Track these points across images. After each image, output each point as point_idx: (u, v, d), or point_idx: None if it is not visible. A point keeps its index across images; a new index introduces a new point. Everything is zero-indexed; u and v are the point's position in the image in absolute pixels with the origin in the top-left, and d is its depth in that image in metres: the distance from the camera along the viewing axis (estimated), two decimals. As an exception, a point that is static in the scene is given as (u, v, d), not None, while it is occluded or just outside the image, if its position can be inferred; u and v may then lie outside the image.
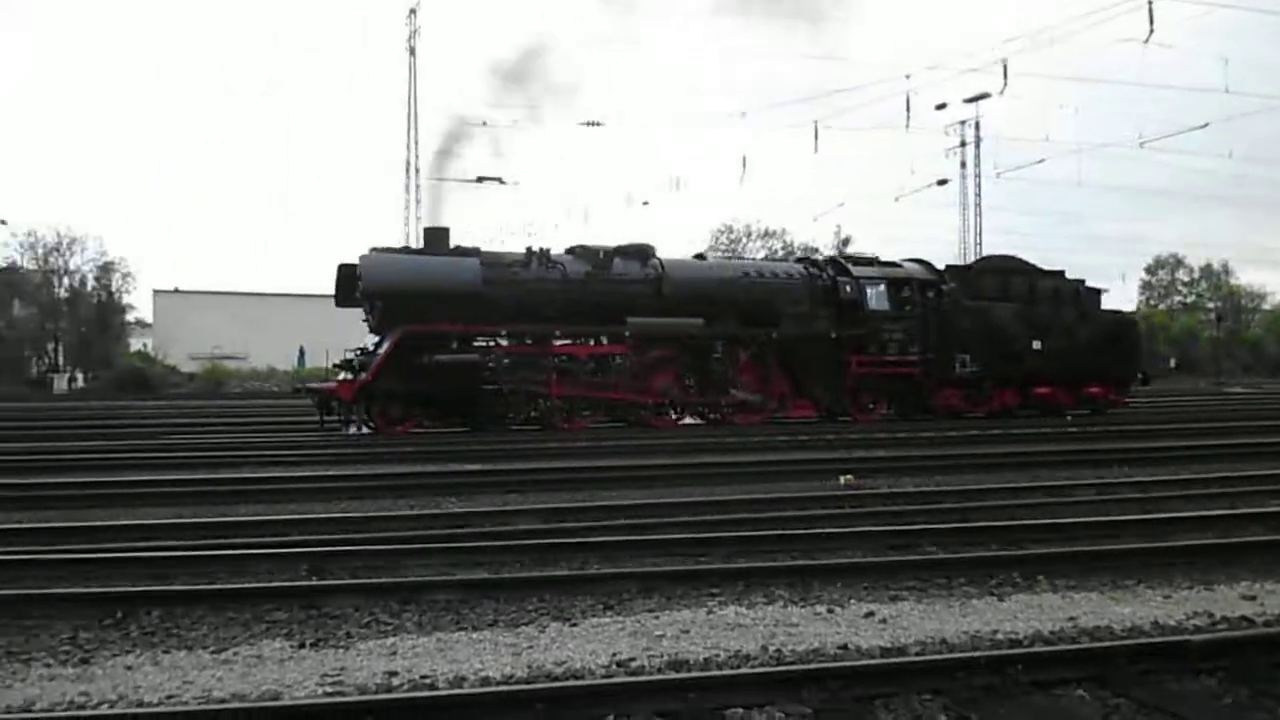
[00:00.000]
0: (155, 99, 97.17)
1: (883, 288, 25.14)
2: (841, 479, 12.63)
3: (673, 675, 5.07)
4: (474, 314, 21.25)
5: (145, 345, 64.79)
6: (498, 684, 5.03)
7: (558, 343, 22.45)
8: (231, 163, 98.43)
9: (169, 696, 4.89)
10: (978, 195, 54.71)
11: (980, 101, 46.94)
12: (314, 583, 7.20)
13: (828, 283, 24.90)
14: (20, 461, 15.33)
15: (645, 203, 52.73)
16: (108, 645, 5.83)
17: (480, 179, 39.85)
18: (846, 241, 65.92)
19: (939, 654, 5.47)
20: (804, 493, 11.84)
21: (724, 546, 8.38)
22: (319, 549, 8.12)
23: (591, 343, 22.86)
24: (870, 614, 6.43)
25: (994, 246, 57.17)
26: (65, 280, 60.25)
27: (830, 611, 6.52)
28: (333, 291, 22.39)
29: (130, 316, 65.32)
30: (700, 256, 26.27)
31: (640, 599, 6.81)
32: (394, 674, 5.21)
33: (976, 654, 5.34)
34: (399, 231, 42.57)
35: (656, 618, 6.35)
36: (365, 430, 20.76)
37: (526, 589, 6.92)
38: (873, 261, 26.46)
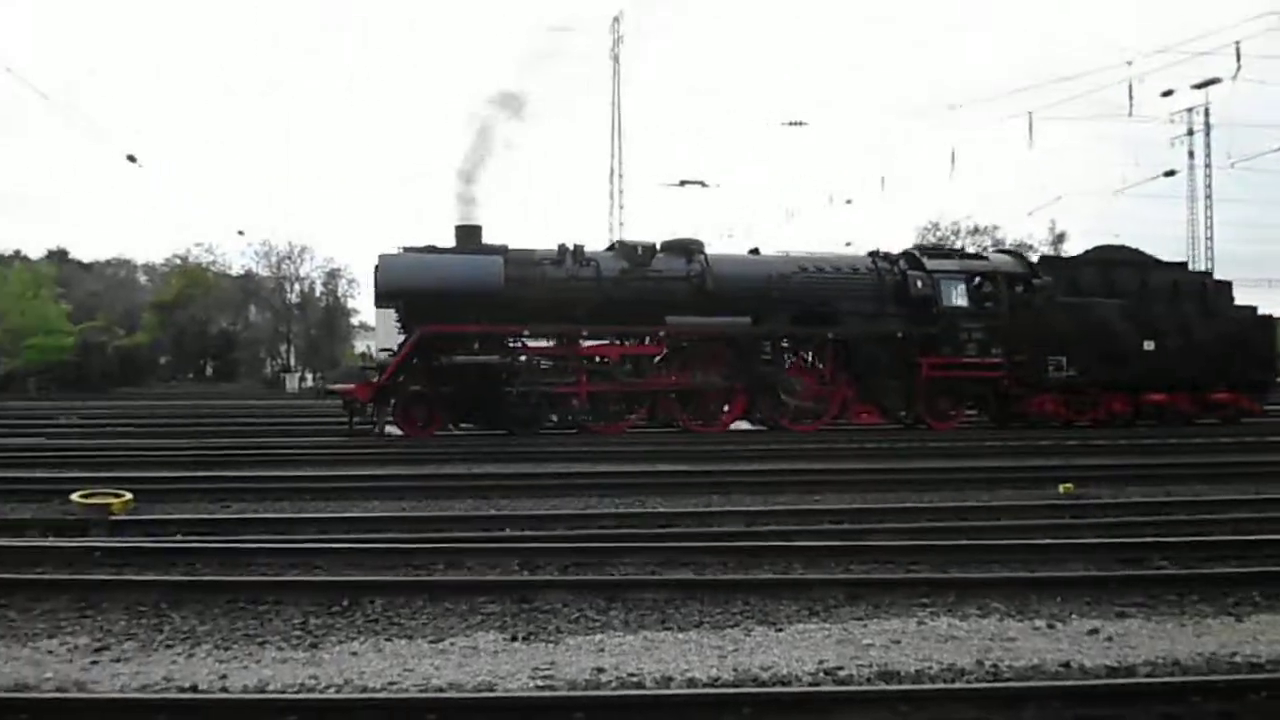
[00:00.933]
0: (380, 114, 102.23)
1: (961, 282, 23.02)
2: (1061, 487, 12.05)
3: (883, 686, 4.94)
4: (496, 314, 20.50)
5: (368, 347, 68.35)
6: (704, 686, 5.02)
7: (586, 343, 21.54)
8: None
9: (390, 683, 5.10)
10: (1208, 187, 51.16)
11: (1210, 87, 43.79)
12: (526, 577, 7.38)
13: (898, 278, 22.81)
14: (258, 456, 16.37)
15: (848, 201, 52.00)
16: (335, 631, 6.14)
17: (683, 182, 40.11)
18: (1061, 237, 62.96)
19: (1171, 676, 5.13)
20: (1020, 501, 11.35)
21: (936, 555, 8.11)
22: (530, 544, 8.32)
23: (625, 343, 21.78)
24: (1094, 631, 6.10)
25: (1226, 241, 53.46)
26: (296, 286, 64.39)
27: (1051, 627, 6.22)
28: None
29: (354, 320, 69.13)
30: (754, 251, 24.12)
31: (847, 606, 6.67)
32: (601, 670, 5.28)
33: (1213, 678, 4.98)
34: (603, 237, 43.27)
35: (864, 626, 6.21)
36: (397, 432, 20.48)
37: (731, 591, 6.88)
38: (953, 254, 24.58)
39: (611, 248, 22.32)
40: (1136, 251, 25.35)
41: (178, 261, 64.85)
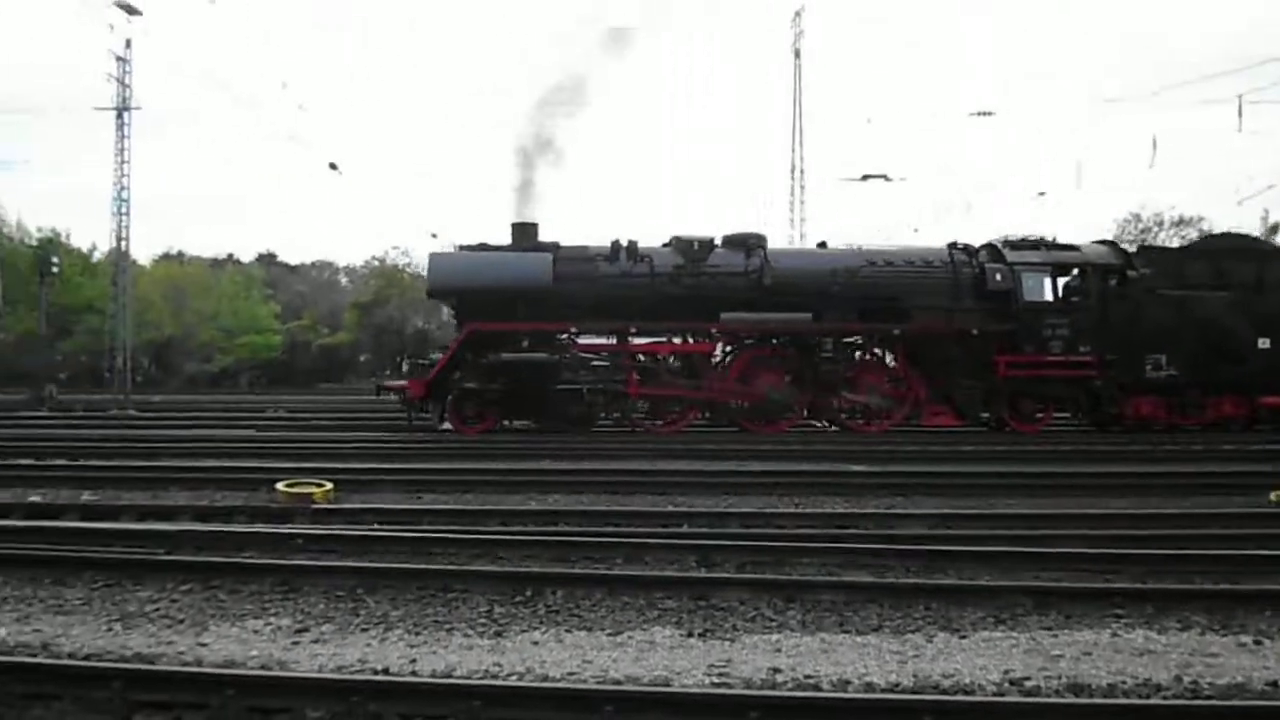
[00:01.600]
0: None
1: (1044, 275, 21.34)
2: (1272, 495, 11.28)
3: (1073, 700, 4.75)
4: (545, 311, 20.37)
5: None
6: (882, 690, 4.94)
7: (635, 340, 21.04)
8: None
9: (570, 673, 5.22)
10: None
11: None
12: (703, 574, 7.41)
13: (975, 271, 21.30)
14: (447, 450, 16.98)
15: (1041, 193, 49.91)
16: (518, 621, 6.31)
17: (865, 176, 39.42)
18: (1275, 228, 58.79)
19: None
20: (1224, 509, 10.70)
21: (1133, 565, 7.73)
22: (707, 541, 8.35)
23: (677, 340, 21.26)
24: (1307, 650, 5.70)
25: None
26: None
27: (1258, 643, 5.84)
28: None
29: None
30: (822, 245, 22.81)
31: (1036, 615, 6.43)
32: (778, 670, 5.26)
33: None
34: (785, 234, 42.94)
35: (1054, 636, 5.98)
36: (447, 427, 20.73)
37: (912, 595, 6.73)
38: (1040, 245, 22.32)
39: (668, 244, 21.61)
40: (1256, 240, 23.36)
41: (376, 263, 67.78)
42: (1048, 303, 21.14)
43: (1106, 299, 21.18)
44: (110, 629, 6.15)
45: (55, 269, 36.23)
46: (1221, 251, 22.37)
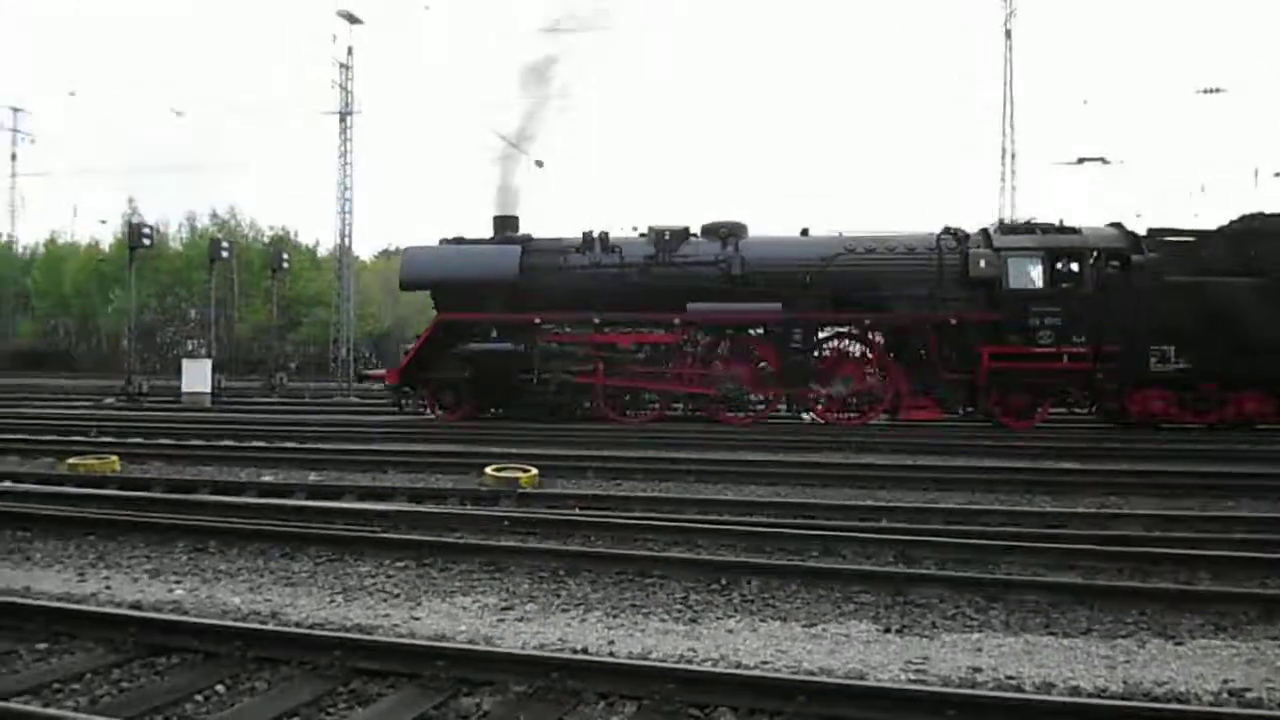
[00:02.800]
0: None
1: (1035, 261, 19.74)
2: None
3: (1300, 715, 4.45)
4: (511, 303, 20.76)
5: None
6: (1089, 695, 4.76)
7: (599, 331, 20.85)
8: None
9: (764, 662, 5.25)
10: None
11: None
12: (902, 570, 7.30)
13: (961, 258, 20.07)
14: (646, 439, 17.24)
15: (1278, 174, 46.36)
16: (712, 608, 6.38)
17: (1081, 160, 37.63)
18: None
19: None
20: None
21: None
22: (907, 537, 8.21)
23: (642, 331, 20.84)
24: None
25: None
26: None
27: None
28: None
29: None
30: (804, 233, 21.75)
31: (1261, 624, 6.04)
32: (978, 670, 5.14)
33: None
34: (985, 217, 41.44)
35: (1281, 647, 5.61)
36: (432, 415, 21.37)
37: (1125, 599, 6.44)
38: (1036, 229, 20.61)
39: (645, 234, 21.47)
40: None
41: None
42: (1036, 290, 19.68)
43: (1106, 286, 19.66)
44: (333, 600, 6.57)
45: (285, 264, 38.58)
46: (1253, 234, 19.94)
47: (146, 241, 32.26)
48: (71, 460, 13.01)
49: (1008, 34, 42.13)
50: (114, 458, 13.32)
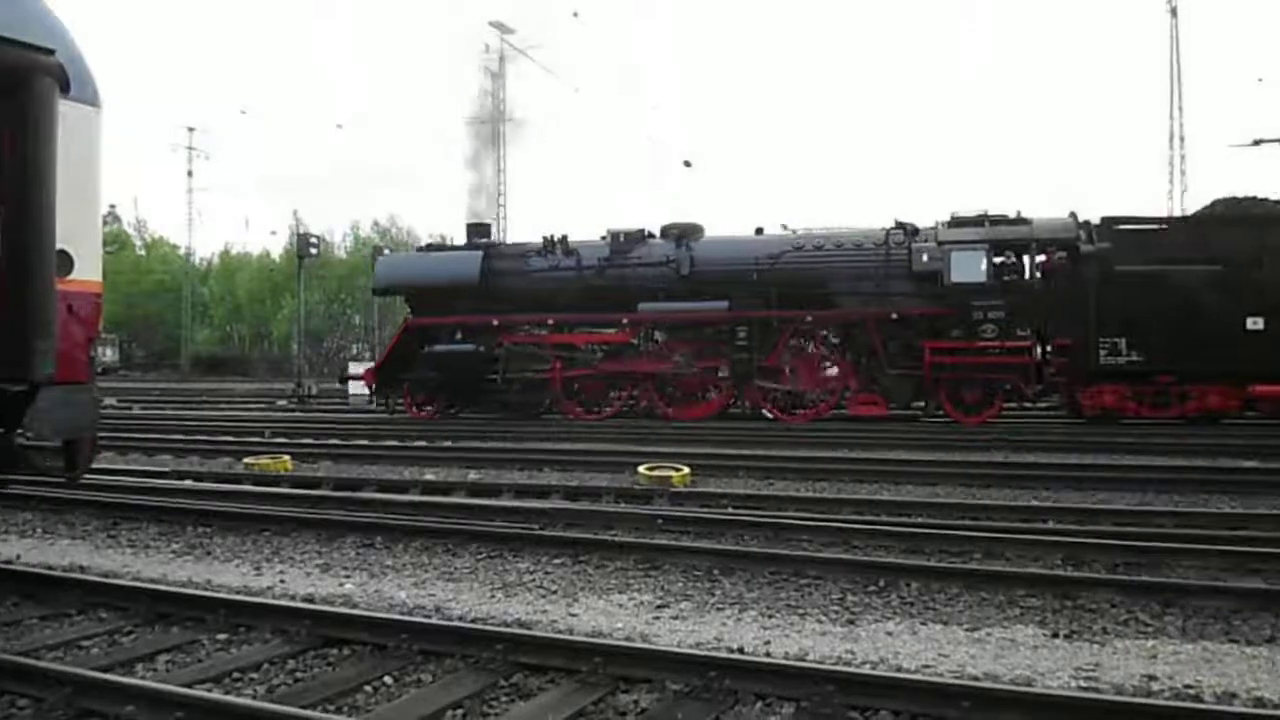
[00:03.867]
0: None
1: (978, 254, 19.23)
2: None
3: None
4: (473, 306, 22.01)
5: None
6: (1275, 707, 4.49)
7: (554, 332, 21.89)
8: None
9: (925, 666, 5.13)
10: None
11: None
12: (1069, 573, 7.04)
13: (907, 252, 19.83)
14: (802, 438, 17.10)
15: None
16: (870, 610, 6.28)
17: (1257, 141, 35.56)
18: None
19: None
20: None
21: None
22: (1076, 539, 7.91)
23: (594, 331, 21.84)
24: None
25: None
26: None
27: None
28: None
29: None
30: (758, 231, 21.93)
31: None
32: (1153, 678, 4.91)
33: None
34: (1155, 205, 39.54)
35: None
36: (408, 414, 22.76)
37: (1316, 607, 6.05)
38: (985, 221, 19.72)
39: (604, 237, 22.43)
40: (1274, 204, 19.41)
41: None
42: (979, 283, 19.23)
43: (1052, 277, 19.41)
44: (493, 596, 6.72)
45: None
46: (1213, 221, 19.45)
47: (313, 250, 33.71)
48: (247, 460, 13.68)
49: (1173, 11, 40.17)
50: (286, 457, 13.94)
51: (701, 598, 6.60)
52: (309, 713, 4.23)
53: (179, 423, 21.97)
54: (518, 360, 22.04)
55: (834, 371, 20.86)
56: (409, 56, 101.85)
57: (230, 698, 4.52)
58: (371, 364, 25.16)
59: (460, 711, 4.55)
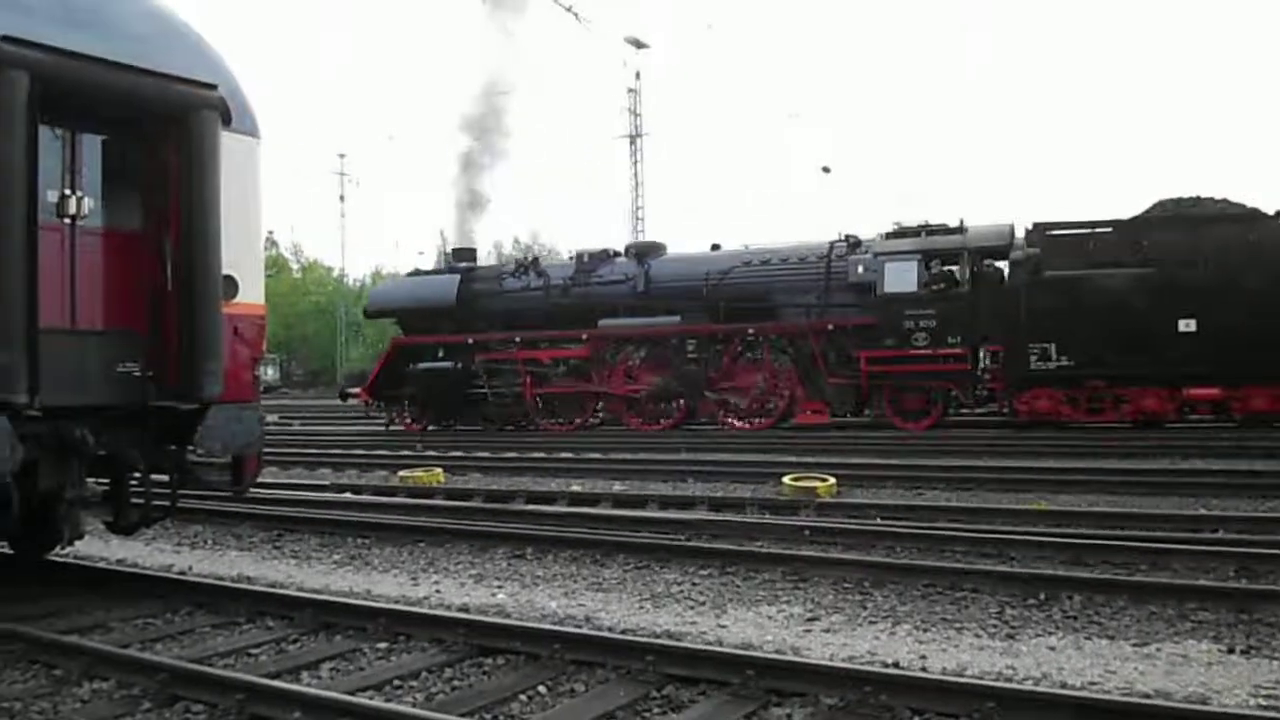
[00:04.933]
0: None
1: (910, 263, 19.62)
2: None
3: None
4: (452, 326, 23.80)
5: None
6: None
7: (522, 350, 23.13)
8: None
9: (1091, 683, 4.93)
10: None
11: None
12: (1245, 585, 6.67)
13: (845, 264, 20.57)
14: (942, 446, 16.69)
15: None
16: (1031, 624, 6.07)
17: None
18: None
19: None
20: None
21: None
22: (1248, 549, 7.50)
23: (558, 348, 23.06)
24: None
25: None
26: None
27: None
28: None
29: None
30: (715, 248, 23.21)
31: None
32: (1344, 699, 4.61)
33: None
34: None
35: None
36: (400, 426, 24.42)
37: None
38: (920, 231, 20.20)
39: (573, 257, 24.11)
40: (1223, 204, 19.19)
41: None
42: (910, 293, 19.58)
43: (982, 285, 19.54)
44: (642, 607, 6.75)
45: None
46: (1146, 223, 19.09)
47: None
48: (402, 473, 14.08)
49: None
50: (439, 470, 14.30)
51: (853, 610, 6.50)
52: (467, 721, 4.31)
53: (336, 438, 22.85)
54: (492, 376, 23.53)
55: (780, 382, 21.34)
56: (545, 75, 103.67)
57: (391, 705, 4.64)
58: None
59: (613, 722, 4.58)
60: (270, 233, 69.98)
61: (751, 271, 21.72)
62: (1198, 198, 19.99)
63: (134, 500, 7.20)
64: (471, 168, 28.41)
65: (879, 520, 9.49)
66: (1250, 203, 19.17)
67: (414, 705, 4.75)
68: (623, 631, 5.90)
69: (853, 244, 21.02)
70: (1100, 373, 18.24)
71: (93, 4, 6.47)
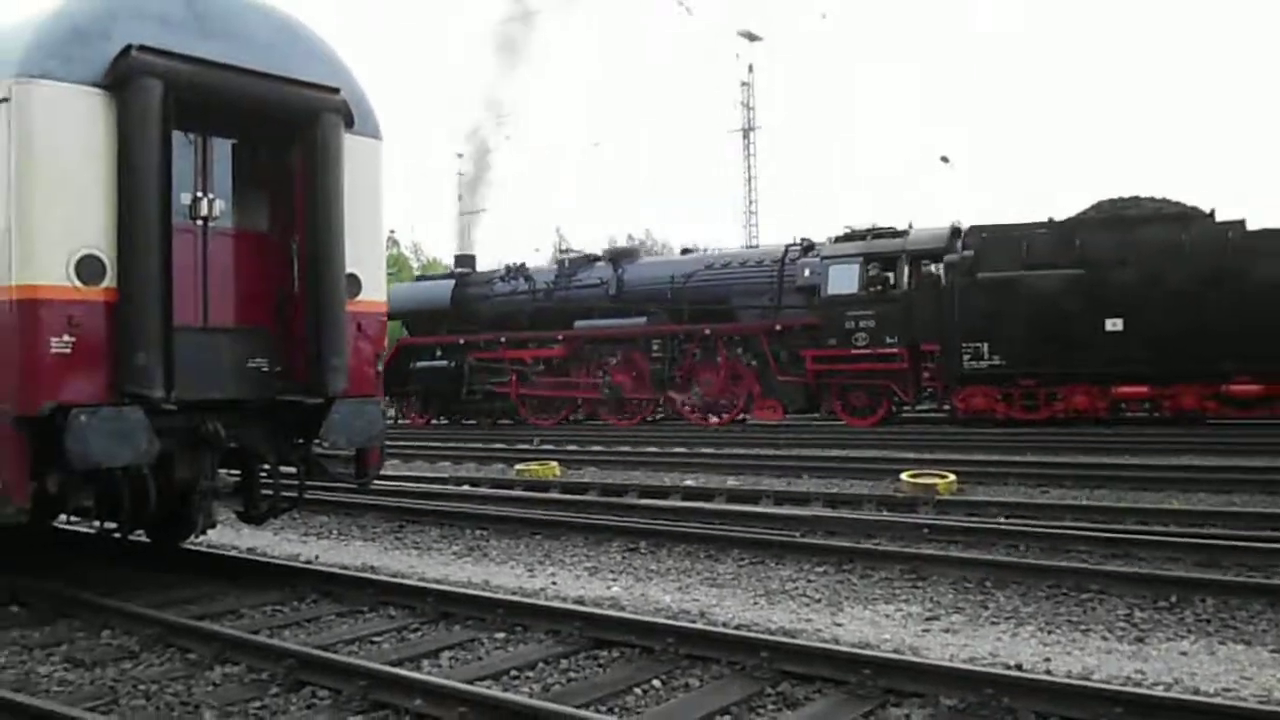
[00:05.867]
0: None
1: (851, 266, 20.75)
2: None
3: None
4: (450, 327, 25.76)
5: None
6: None
7: (508, 349, 24.75)
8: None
9: (1225, 689, 4.74)
10: None
11: None
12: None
13: (794, 267, 21.92)
14: (1072, 443, 16.21)
15: None
16: (1161, 628, 5.85)
17: None
18: None
19: None
20: None
21: None
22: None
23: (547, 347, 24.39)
24: None
25: None
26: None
27: None
28: None
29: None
30: (685, 252, 25.57)
31: None
32: None
33: None
34: None
35: None
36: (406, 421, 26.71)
37: None
38: (865, 235, 21.48)
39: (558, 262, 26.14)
40: (1160, 204, 19.37)
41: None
42: (851, 295, 20.58)
43: (919, 286, 20.22)
44: (756, 602, 6.72)
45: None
46: (1078, 224, 19.39)
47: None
48: (519, 466, 14.29)
49: None
50: (554, 463, 14.47)
51: (973, 611, 6.36)
52: (583, 713, 4.34)
53: (455, 431, 23.38)
54: (481, 374, 25.17)
55: (736, 379, 22.56)
56: (654, 71, 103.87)
57: (509, 695, 4.70)
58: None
59: (728, 718, 4.57)
60: (391, 231, 71.71)
61: (712, 275, 23.28)
62: (1136, 198, 20.22)
63: (263, 491, 7.47)
64: (471, 183, 32.06)
65: (1001, 518, 9.27)
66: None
67: (530, 695, 4.81)
68: (737, 627, 5.89)
69: (805, 248, 22.36)
70: (1030, 371, 18.79)
71: (223, 13, 6.71)
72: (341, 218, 6.93)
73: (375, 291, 7.45)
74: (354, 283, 7.15)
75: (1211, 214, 18.42)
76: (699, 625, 5.83)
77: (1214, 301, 17.17)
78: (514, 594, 6.76)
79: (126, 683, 5.10)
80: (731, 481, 12.81)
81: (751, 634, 5.53)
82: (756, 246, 26.25)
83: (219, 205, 6.77)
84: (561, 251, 29.43)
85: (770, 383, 21.94)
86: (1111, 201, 20.22)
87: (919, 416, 22.71)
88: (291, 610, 6.65)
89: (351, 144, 7.09)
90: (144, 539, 7.88)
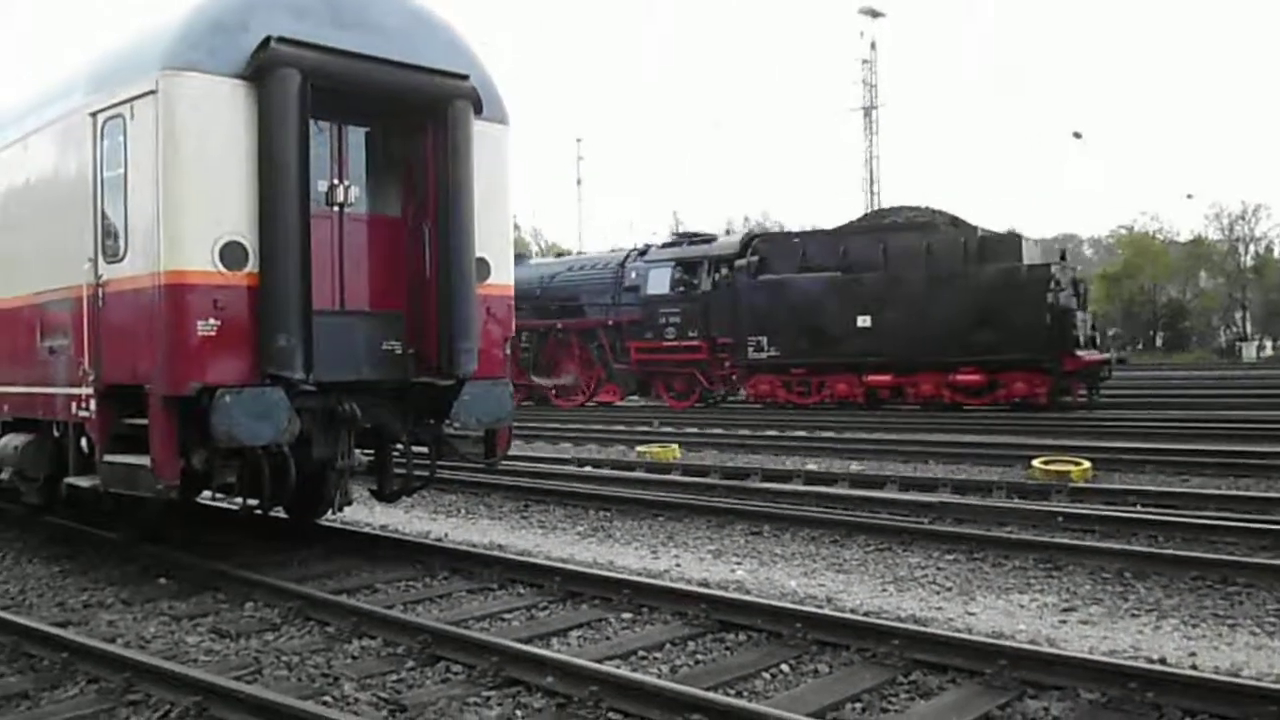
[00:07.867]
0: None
1: (665, 269, 24.15)
2: None
3: None
4: None
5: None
6: None
7: None
8: None
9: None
10: None
11: None
12: None
13: (627, 270, 24.75)
14: (1217, 431, 15.56)
15: None
16: (1319, 623, 5.58)
17: None
18: None
19: None
20: None
21: None
22: None
23: None
24: None
25: None
26: (1251, 248, 60.00)
27: None
28: None
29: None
30: (560, 254, 27.52)
31: None
32: None
33: None
34: None
35: None
36: None
37: None
38: (683, 241, 25.84)
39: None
40: (922, 213, 23.06)
41: (1123, 232, 64.57)
42: (663, 295, 23.87)
43: (716, 287, 23.30)
44: (885, 589, 6.62)
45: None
46: (844, 232, 23.25)
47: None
48: (640, 448, 14.35)
49: None
50: (675, 446, 14.49)
51: (1112, 602, 6.16)
52: (714, 695, 4.34)
53: (574, 413, 23.68)
54: None
55: (584, 367, 25.46)
56: (773, 50, 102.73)
57: (639, 675, 4.73)
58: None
59: (859, 705, 4.52)
60: (514, 216, 72.81)
61: (570, 276, 26.05)
62: (903, 207, 24.26)
63: (396, 471, 7.66)
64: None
65: (1139, 507, 8.96)
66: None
67: (659, 676, 4.82)
68: (866, 614, 5.81)
69: (640, 252, 25.42)
70: (800, 361, 22.05)
71: (356, 2, 6.86)
72: (472, 202, 7.03)
73: (503, 275, 7.56)
74: (483, 266, 7.26)
75: (954, 222, 22.03)
76: (828, 611, 5.78)
77: (944, 300, 19.98)
78: (639, 575, 6.80)
79: (270, 654, 5.29)
80: (855, 466, 12.64)
81: (882, 621, 5.46)
82: (615, 251, 28.04)
83: (354, 192, 6.94)
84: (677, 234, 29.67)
85: (611, 370, 25.30)
86: (878, 211, 23.71)
87: (737, 403, 24.73)
88: (424, 586, 6.81)
89: (480, 129, 7.18)
90: (283, 515, 8.15)
